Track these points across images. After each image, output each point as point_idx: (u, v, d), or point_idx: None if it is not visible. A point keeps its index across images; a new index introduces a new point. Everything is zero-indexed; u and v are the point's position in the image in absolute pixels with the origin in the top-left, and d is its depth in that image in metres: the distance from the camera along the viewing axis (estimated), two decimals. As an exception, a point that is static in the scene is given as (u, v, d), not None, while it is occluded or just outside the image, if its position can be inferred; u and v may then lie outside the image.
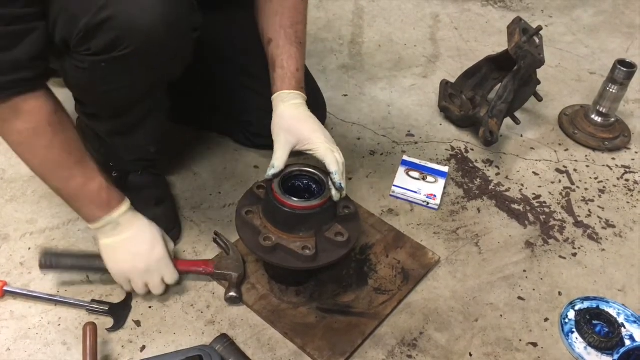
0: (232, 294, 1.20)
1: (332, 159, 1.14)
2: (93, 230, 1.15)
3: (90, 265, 1.20)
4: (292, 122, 1.20)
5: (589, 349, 1.20)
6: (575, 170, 1.64)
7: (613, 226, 1.48)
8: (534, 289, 1.31)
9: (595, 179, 1.61)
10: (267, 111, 1.26)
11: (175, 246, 1.32)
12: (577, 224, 1.47)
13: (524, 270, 1.35)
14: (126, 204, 1.16)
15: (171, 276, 1.19)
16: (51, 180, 1.12)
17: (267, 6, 1.31)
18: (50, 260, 1.18)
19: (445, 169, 1.56)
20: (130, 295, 1.21)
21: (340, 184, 1.14)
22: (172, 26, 1.01)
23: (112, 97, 1.13)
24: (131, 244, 1.15)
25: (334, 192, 1.15)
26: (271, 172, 1.15)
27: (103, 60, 1.02)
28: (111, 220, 1.13)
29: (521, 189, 1.56)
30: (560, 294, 1.30)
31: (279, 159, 1.17)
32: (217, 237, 1.31)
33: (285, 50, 1.27)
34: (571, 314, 1.25)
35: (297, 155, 1.26)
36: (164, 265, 1.17)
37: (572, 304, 1.27)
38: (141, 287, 1.17)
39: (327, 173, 1.15)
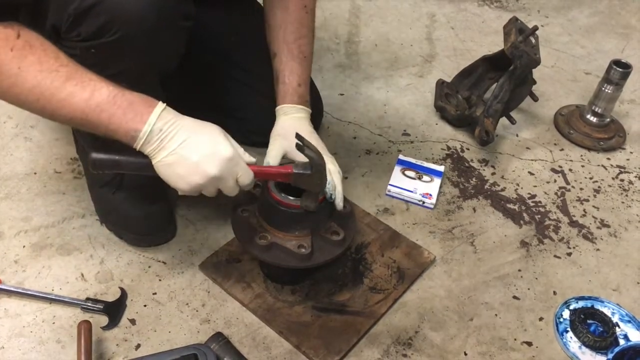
0: (308, 203, 1.10)
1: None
2: (145, 152, 0.99)
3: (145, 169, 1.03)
4: (289, 130, 1.20)
5: (584, 348, 1.20)
6: (570, 170, 1.64)
7: (608, 226, 1.48)
8: (528, 288, 1.31)
9: (590, 178, 1.62)
10: (264, 108, 1.26)
11: (169, 243, 1.32)
12: (572, 223, 1.48)
13: (519, 270, 1.35)
14: (160, 105, 0.99)
15: (246, 175, 1.03)
16: (54, 111, 0.96)
17: (272, 19, 1.33)
18: (104, 159, 1.03)
19: (441, 168, 1.56)
20: (125, 294, 1.21)
21: (331, 195, 1.15)
22: (161, 12, 1.01)
23: None
24: (189, 150, 0.98)
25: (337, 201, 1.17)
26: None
27: (92, 47, 1.01)
28: (150, 130, 0.96)
29: (516, 189, 1.56)
30: (555, 293, 1.31)
31: (273, 158, 1.18)
32: (301, 143, 1.08)
33: (287, 66, 1.29)
34: (566, 314, 1.25)
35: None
36: (235, 164, 1.01)
37: (566, 304, 1.27)
38: (213, 192, 1.04)
39: None
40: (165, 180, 1.02)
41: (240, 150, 1.05)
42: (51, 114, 0.98)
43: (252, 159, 1.07)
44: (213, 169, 0.99)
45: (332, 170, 1.17)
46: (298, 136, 1.08)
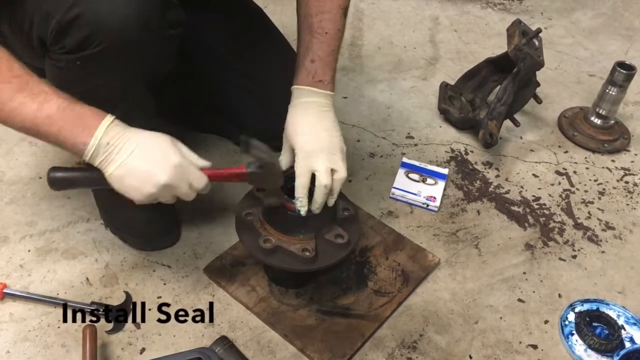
0: (270, 201, 1.11)
1: (299, 182, 1.10)
2: (94, 164, 1.00)
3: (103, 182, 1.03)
4: (289, 129, 1.16)
5: (589, 351, 1.19)
6: (574, 172, 1.64)
7: (613, 228, 1.48)
8: (533, 291, 1.31)
9: (595, 181, 1.61)
10: (264, 112, 1.25)
11: (173, 246, 1.33)
12: (577, 226, 1.47)
13: (524, 273, 1.35)
14: (108, 118, 0.98)
15: (199, 180, 1.03)
16: (7, 120, 0.97)
17: None
18: (60, 178, 1.04)
19: (445, 171, 1.56)
20: (129, 298, 1.21)
21: (299, 211, 1.09)
22: (145, 23, 1.00)
23: (92, 97, 1.05)
24: (138, 161, 0.99)
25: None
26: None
27: (77, 59, 1.00)
28: (98, 144, 0.97)
29: (521, 191, 1.56)
30: (560, 296, 1.30)
31: (284, 165, 1.16)
32: (247, 143, 1.06)
33: (304, 41, 1.21)
34: (571, 316, 1.25)
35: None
36: (184, 171, 1.01)
37: (572, 306, 1.27)
38: (170, 199, 1.05)
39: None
40: (119, 192, 1.03)
41: (193, 156, 1.04)
42: (5, 122, 0.98)
43: (207, 163, 1.06)
44: (163, 177, 0.99)
45: (320, 172, 1.09)
46: (243, 134, 1.05)
